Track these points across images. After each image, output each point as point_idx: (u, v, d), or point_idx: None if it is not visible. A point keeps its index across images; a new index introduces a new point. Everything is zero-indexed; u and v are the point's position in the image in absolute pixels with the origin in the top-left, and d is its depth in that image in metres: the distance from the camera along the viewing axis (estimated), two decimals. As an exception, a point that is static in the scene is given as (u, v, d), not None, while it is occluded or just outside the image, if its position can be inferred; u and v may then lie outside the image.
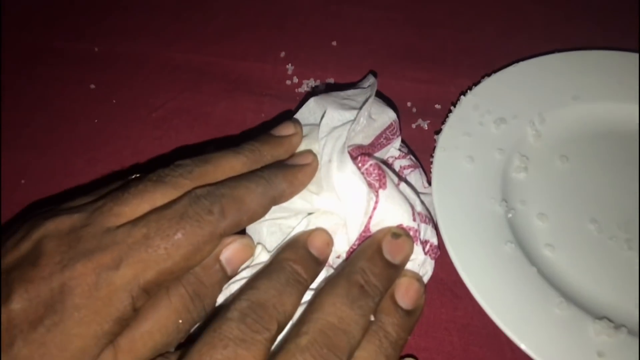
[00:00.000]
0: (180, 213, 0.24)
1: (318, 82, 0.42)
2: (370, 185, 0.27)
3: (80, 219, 0.24)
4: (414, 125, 0.40)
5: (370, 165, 0.28)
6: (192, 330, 0.27)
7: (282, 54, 0.44)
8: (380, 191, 0.27)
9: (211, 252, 0.26)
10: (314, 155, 0.29)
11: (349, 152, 0.28)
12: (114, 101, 0.41)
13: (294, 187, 0.28)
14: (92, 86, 0.42)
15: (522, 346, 0.28)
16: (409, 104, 0.41)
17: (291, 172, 0.28)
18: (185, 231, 0.24)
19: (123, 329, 0.23)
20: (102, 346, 0.23)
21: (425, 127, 0.40)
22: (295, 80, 0.42)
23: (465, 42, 0.45)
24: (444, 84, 0.42)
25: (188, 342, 0.26)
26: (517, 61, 0.40)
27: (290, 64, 0.43)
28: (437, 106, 0.41)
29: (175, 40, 0.45)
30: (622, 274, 0.32)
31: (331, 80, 0.42)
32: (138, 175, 0.27)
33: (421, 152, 0.37)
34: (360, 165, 0.28)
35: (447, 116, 0.37)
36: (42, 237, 0.23)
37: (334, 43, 0.45)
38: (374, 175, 0.28)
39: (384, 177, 0.28)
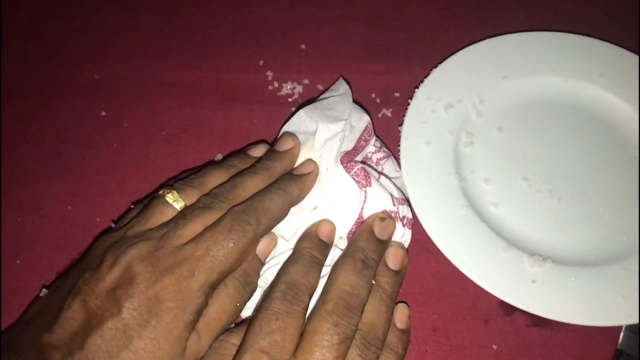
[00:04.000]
0: (228, 227, 0.33)
1: (295, 84, 0.50)
2: (359, 184, 0.37)
3: (154, 243, 0.33)
4: (380, 115, 0.48)
5: (358, 169, 0.37)
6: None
7: (261, 62, 0.51)
8: (367, 188, 0.37)
9: (254, 251, 0.35)
10: (315, 163, 0.38)
11: (340, 160, 0.37)
12: (126, 125, 0.48)
13: (304, 191, 0.37)
14: (103, 113, 0.48)
15: (478, 282, 0.38)
16: (373, 95, 0.50)
17: (301, 180, 0.37)
18: (235, 241, 0.33)
19: (199, 317, 0.33)
20: (189, 332, 0.32)
21: (389, 115, 0.48)
22: (276, 85, 0.50)
23: (414, 31, 0.53)
24: (400, 73, 0.51)
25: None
26: (458, 45, 0.49)
27: (269, 71, 0.50)
28: (397, 94, 0.49)
29: (165, 59, 0.51)
30: (546, 217, 0.42)
31: (306, 82, 0.50)
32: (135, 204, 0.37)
33: (389, 138, 0.46)
34: (350, 170, 0.37)
35: (407, 105, 0.46)
36: (130, 262, 0.32)
37: (303, 46, 0.52)
38: (361, 176, 0.37)
39: (369, 177, 0.37)
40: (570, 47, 0.49)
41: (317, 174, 0.38)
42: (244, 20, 0.54)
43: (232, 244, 0.33)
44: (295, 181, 0.37)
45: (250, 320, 0.33)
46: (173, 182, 0.37)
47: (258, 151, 0.40)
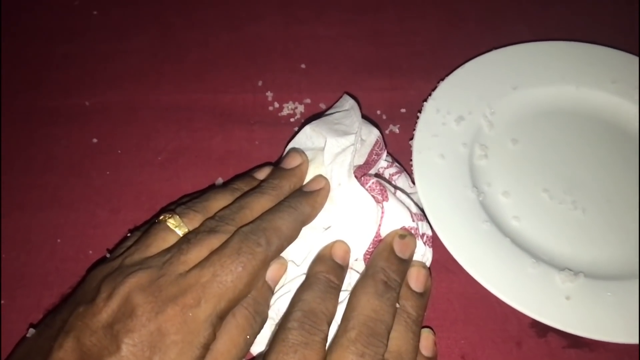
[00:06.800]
0: (236, 250, 0.30)
1: (296, 104, 0.48)
2: (375, 199, 0.34)
3: (155, 271, 0.29)
4: (387, 131, 0.46)
5: (373, 183, 0.34)
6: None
7: (260, 83, 0.49)
8: (384, 203, 0.34)
9: (264, 275, 0.32)
10: (325, 179, 0.35)
11: (353, 174, 0.35)
12: (119, 151, 0.45)
13: (316, 209, 0.35)
14: (95, 140, 0.45)
15: (507, 301, 0.35)
16: (378, 112, 0.47)
17: (312, 197, 0.34)
18: (244, 264, 0.30)
19: (207, 352, 0.29)
20: None
21: (397, 131, 0.46)
22: (276, 105, 0.48)
23: (415, 46, 0.52)
24: (404, 89, 0.49)
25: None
26: (461, 58, 0.47)
27: (269, 91, 0.48)
28: (403, 110, 0.47)
29: (158, 83, 0.49)
30: (573, 230, 0.40)
31: (308, 101, 0.48)
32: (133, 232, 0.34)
33: (399, 154, 0.44)
34: (364, 184, 0.34)
35: (415, 120, 0.43)
36: (129, 292, 0.28)
37: (303, 66, 0.50)
38: (376, 190, 0.34)
39: (385, 191, 0.34)
40: (578, 55, 0.48)
41: (328, 190, 0.35)
42: (239, 41, 0.52)
43: (241, 268, 0.30)
44: (306, 198, 0.34)
45: (265, 354, 0.30)
46: (174, 207, 0.34)
47: (264, 174, 0.37)
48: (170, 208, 0.34)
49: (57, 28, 0.53)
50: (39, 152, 0.45)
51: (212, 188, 0.36)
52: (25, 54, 0.51)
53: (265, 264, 0.31)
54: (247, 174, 0.37)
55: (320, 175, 0.36)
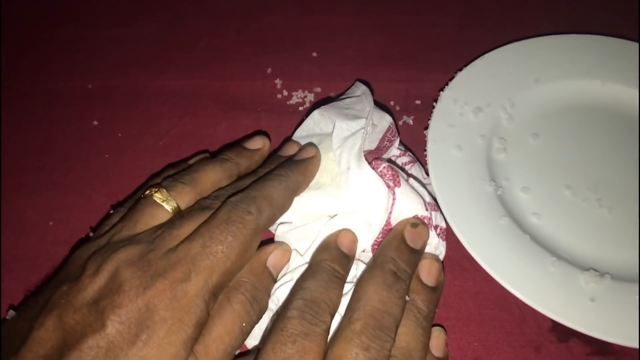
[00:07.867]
0: (225, 220, 0.28)
1: (306, 93, 0.46)
2: (386, 185, 0.32)
3: (144, 246, 0.27)
4: (400, 122, 0.44)
5: (384, 167, 0.32)
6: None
7: (269, 70, 0.47)
8: (396, 189, 0.32)
9: (256, 247, 0.30)
10: (316, 147, 0.34)
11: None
12: (120, 134, 0.43)
13: (307, 177, 0.33)
14: (95, 122, 0.44)
15: (526, 301, 0.33)
16: (392, 102, 0.45)
17: (302, 165, 0.33)
18: (234, 234, 0.28)
19: (200, 333, 0.27)
20: (188, 351, 0.26)
21: (411, 122, 0.44)
22: (285, 93, 0.46)
23: (432, 38, 0.50)
24: (420, 80, 0.47)
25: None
26: (481, 52, 0.45)
27: (278, 79, 0.46)
28: (418, 102, 0.45)
29: (164, 68, 0.47)
30: (598, 229, 0.37)
31: (318, 90, 0.46)
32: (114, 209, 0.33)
33: (413, 146, 0.41)
34: (375, 168, 0.32)
35: (431, 112, 0.41)
36: (117, 267, 0.26)
37: (314, 54, 0.48)
38: (388, 176, 0.32)
39: (397, 176, 0.32)
40: (605, 49, 0.45)
41: (320, 159, 0.34)
42: (249, 29, 0.51)
43: (231, 237, 0.28)
44: (296, 166, 0.33)
45: (262, 344, 0.27)
46: (160, 180, 0.32)
47: (255, 143, 0.36)
48: (155, 181, 0.32)
49: (64, 11, 0.52)
50: (38, 134, 0.43)
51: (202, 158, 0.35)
52: (30, 36, 0.50)
53: (257, 234, 0.29)
54: (237, 143, 0.36)
55: (311, 143, 0.34)
